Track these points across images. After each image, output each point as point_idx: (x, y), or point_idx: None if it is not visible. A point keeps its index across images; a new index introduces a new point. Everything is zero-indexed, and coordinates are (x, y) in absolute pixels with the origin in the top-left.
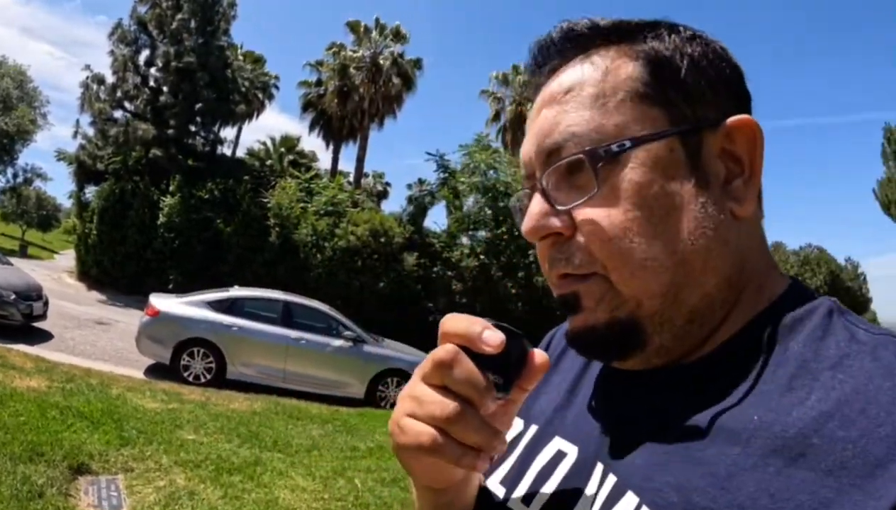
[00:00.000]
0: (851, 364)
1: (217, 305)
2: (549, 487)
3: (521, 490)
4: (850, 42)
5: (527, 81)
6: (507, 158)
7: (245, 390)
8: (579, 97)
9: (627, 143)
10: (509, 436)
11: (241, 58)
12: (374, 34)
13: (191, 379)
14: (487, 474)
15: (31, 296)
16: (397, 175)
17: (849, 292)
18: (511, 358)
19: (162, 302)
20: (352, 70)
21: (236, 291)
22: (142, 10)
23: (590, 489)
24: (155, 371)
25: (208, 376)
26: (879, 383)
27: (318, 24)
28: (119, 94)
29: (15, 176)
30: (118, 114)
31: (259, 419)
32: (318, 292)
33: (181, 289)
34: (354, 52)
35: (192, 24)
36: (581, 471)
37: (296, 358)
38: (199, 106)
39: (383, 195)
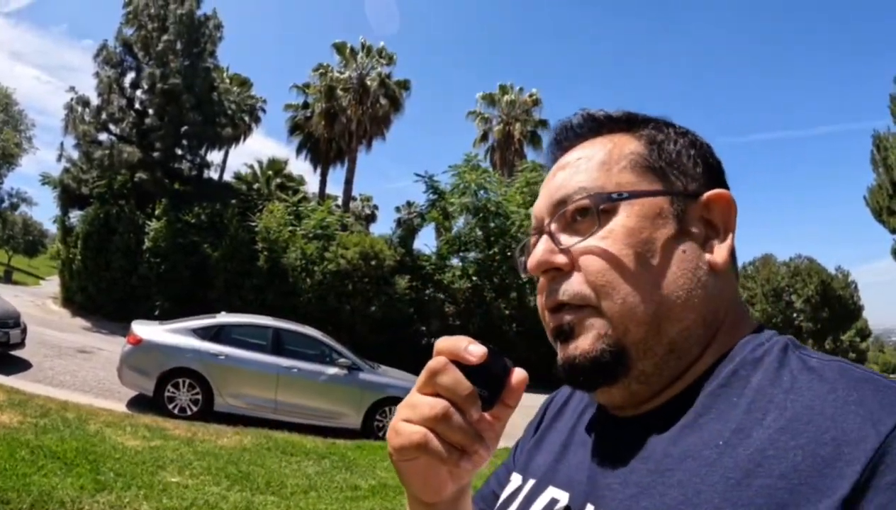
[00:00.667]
0: (801, 386)
1: (203, 333)
2: None
3: None
4: (829, 53)
5: (547, 154)
6: (497, 178)
7: (234, 423)
8: (589, 163)
9: (625, 194)
10: (507, 491)
11: (227, 80)
12: (361, 55)
13: (176, 411)
14: None
15: (8, 322)
16: (385, 198)
17: (840, 301)
18: (494, 374)
19: (144, 329)
20: (339, 91)
21: (223, 318)
22: (127, 31)
23: None
24: (138, 403)
25: (194, 408)
26: (825, 397)
27: (303, 46)
28: (104, 116)
29: (0, 201)
30: (103, 136)
31: (249, 456)
32: (308, 317)
33: (168, 315)
34: (341, 73)
35: (178, 45)
36: None
37: (287, 387)
38: (185, 129)
39: (371, 218)
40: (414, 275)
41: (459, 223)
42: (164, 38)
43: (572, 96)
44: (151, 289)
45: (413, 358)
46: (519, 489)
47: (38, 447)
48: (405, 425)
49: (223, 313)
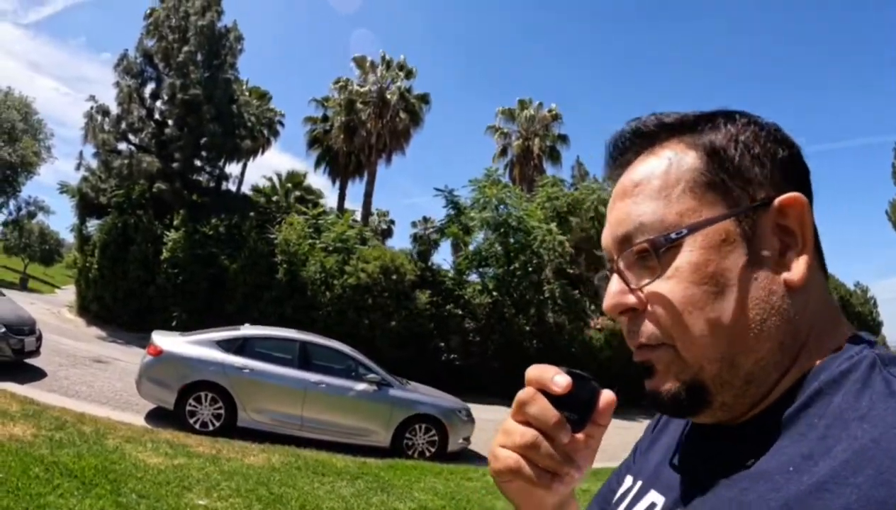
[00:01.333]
0: (876, 414)
1: (227, 345)
2: None
3: None
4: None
5: (605, 175)
6: (517, 193)
7: (259, 439)
8: (647, 190)
9: (684, 231)
10: (620, 491)
11: (246, 93)
12: (381, 69)
13: (197, 426)
14: None
15: (24, 330)
16: (400, 214)
17: (859, 317)
18: (582, 398)
19: (166, 340)
20: (359, 105)
21: (248, 330)
22: (148, 42)
23: None
24: (157, 417)
25: (217, 424)
26: (893, 430)
27: (321, 62)
28: (123, 126)
29: (18, 209)
30: (122, 146)
31: (280, 477)
32: (327, 331)
33: (185, 327)
34: (361, 87)
35: (199, 57)
36: None
37: (314, 403)
38: (204, 140)
39: (388, 233)
40: (434, 290)
41: (478, 238)
42: (185, 49)
43: (592, 112)
44: (168, 300)
45: (433, 373)
46: (628, 490)
47: (54, 464)
48: (501, 451)
49: (247, 325)
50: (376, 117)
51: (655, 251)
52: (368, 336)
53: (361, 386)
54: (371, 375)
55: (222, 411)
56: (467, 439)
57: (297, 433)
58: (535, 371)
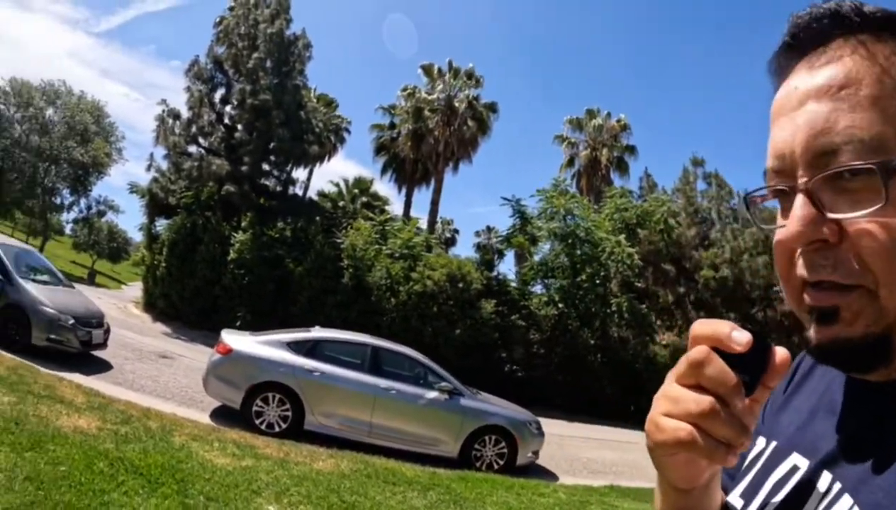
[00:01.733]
0: None
1: (297, 347)
2: (779, 497)
3: (756, 503)
4: None
5: (777, 58)
6: (585, 204)
7: (326, 444)
8: (857, 96)
9: None
10: (751, 454)
11: (314, 100)
12: (448, 77)
13: (263, 427)
14: (729, 488)
15: (91, 322)
16: (463, 223)
17: None
18: (756, 357)
19: (235, 339)
20: (426, 112)
21: (319, 333)
22: (218, 49)
23: (815, 495)
24: (222, 415)
25: (283, 425)
26: None
27: (388, 70)
28: (194, 129)
29: (88, 207)
30: (192, 149)
31: (350, 484)
32: (391, 337)
33: (249, 327)
34: (429, 94)
35: (268, 63)
36: (811, 481)
37: (384, 410)
38: (272, 145)
39: (451, 242)
40: (499, 300)
41: (544, 249)
42: (255, 56)
43: (661, 123)
44: (234, 300)
45: (496, 384)
46: (762, 452)
47: (119, 459)
48: (667, 420)
49: (318, 328)
50: (444, 125)
51: (884, 178)
52: (432, 344)
53: (432, 394)
54: (443, 384)
55: (289, 413)
56: (536, 453)
57: (365, 439)
58: (706, 326)
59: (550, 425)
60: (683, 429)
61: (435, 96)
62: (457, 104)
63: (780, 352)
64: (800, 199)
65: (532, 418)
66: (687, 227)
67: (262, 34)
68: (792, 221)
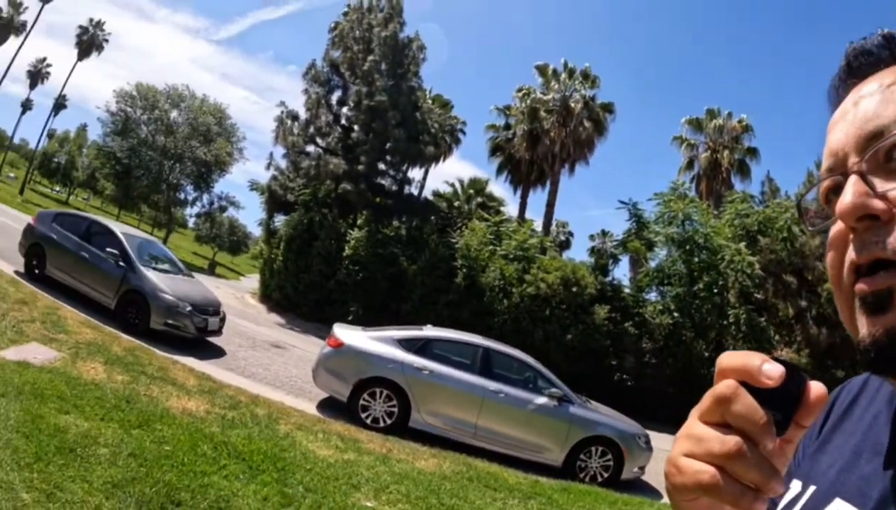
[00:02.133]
0: None
1: (408, 344)
2: None
3: None
4: None
5: (834, 85)
6: (704, 208)
7: (429, 442)
8: None
9: None
10: (785, 500)
11: (429, 101)
12: (563, 77)
13: (369, 421)
14: None
15: (208, 310)
16: (578, 226)
17: None
18: (789, 393)
19: (346, 333)
20: (542, 113)
21: (430, 331)
22: (334, 53)
23: None
24: (329, 406)
25: (388, 421)
26: None
27: (502, 72)
28: (312, 129)
29: (211, 202)
30: (310, 148)
31: (451, 486)
32: (502, 338)
33: (361, 322)
34: (544, 95)
35: (383, 66)
36: None
37: (491, 412)
38: (389, 145)
39: (566, 245)
40: (613, 305)
41: (661, 255)
42: (370, 58)
43: (784, 125)
44: (347, 295)
45: (604, 392)
46: (798, 497)
47: (223, 443)
48: (688, 462)
49: (429, 326)
50: (560, 126)
51: None
52: (543, 347)
53: (541, 399)
54: (553, 390)
55: (395, 409)
56: (642, 468)
57: (469, 441)
58: (735, 358)
59: (659, 439)
60: (706, 471)
61: (550, 97)
62: (572, 105)
63: (816, 387)
64: (851, 179)
65: (641, 431)
66: (811, 236)
67: (376, 38)
68: (847, 195)
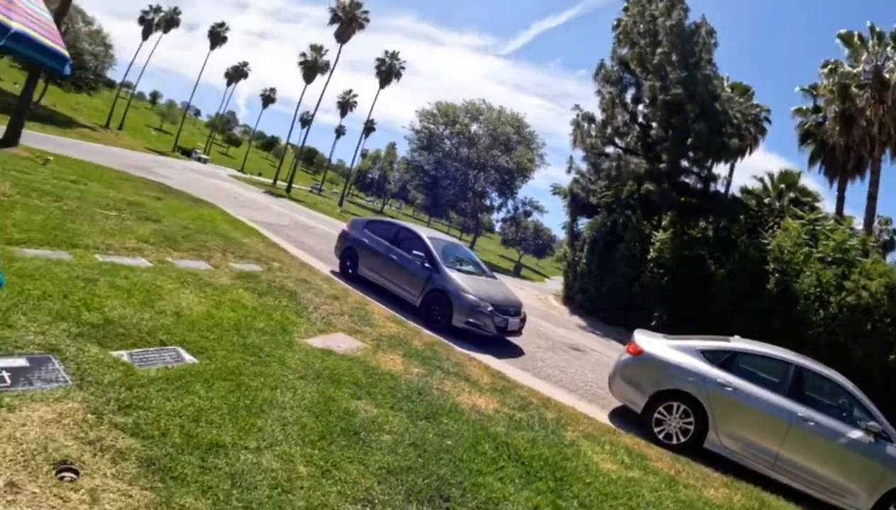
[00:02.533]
0: None
1: (712, 357)
2: None
3: None
4: None
5: None
6: None
7: (722, 467)
8: None
9: None
10: None
11: (728, 89)
12: (872, 44)
13: (661, 436)
14: None
15: (509, 310)
16: None
17: None
18: None
19: (647, 341)
20: (853, 90)
21: (738, 343)
22: (621, 51)
23: None
24: (621, 416)
25: (682, 439)
26: None
27: (802, 46)
28: (609, 130)
29: (515, 208)
30: (609, 149)
31: None
32: (814, 354)
33: (664, 328)
34: (853, 68)
35: (673, 57)
36: None
37: (796, 442)
38: (690, 140)
39: (890, 246)
40: None
41: None
42: (658, 51)
43: None
44: (651, 299)
45: None
46: None
47: (505, 444)
48: None
49: (737, 337)
50: (875, 102)
51: None
52: (860, 367)
53: (856, 433)
54: (871, 423)
55: (691, 427)
56: None
57: (765, 471)
58: None
59: None
60: None
61: (860, 69)
62: (886, 75)
63: None
64: None
65: None
66: None
67: (661, 28)
68: None
